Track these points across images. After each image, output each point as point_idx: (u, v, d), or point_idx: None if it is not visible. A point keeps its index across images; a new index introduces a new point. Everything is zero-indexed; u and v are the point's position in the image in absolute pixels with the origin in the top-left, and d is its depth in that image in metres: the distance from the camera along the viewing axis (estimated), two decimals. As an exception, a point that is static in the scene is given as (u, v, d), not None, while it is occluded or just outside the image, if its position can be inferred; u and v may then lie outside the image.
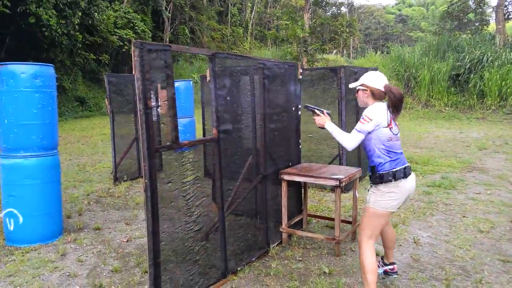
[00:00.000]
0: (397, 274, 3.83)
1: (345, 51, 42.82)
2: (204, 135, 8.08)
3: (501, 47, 19.18)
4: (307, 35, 24.33)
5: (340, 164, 6.71)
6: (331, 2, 28.01)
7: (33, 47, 18.00)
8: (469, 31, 25.33)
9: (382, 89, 3.31)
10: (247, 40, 39.58)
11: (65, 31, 17.03)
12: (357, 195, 4.75)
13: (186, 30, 30.37)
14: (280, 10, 37.10)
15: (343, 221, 4.81)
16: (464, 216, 5.53)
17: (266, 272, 4.00)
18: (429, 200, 6.30)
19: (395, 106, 3.25)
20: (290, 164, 4.85)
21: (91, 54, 21.01)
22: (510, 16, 23.69)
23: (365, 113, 3.26)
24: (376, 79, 3.37)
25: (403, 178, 3.21)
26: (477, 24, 26.63)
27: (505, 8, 22.63)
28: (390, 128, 3.24)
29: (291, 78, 4.90)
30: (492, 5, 23.43)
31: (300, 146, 5.15)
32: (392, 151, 3.25)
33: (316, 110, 3.70)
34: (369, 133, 3.25)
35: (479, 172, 8.20)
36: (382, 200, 3.23)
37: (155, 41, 28.32)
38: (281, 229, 4.63)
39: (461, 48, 19.83)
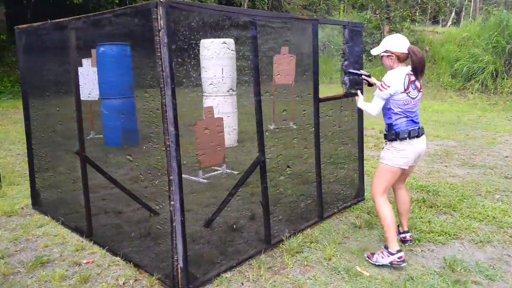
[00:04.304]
0: (411, 242, 3.62)
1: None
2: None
3: None
4: (389, -2, 18.55)
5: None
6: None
7: None
8: None
9: (406, 52, 3.20)
10: (340, 8, 33.58)
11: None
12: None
13: (265, -5, 25.98)
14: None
15: None
16: None
17: None
18: None
19: (417, 69, 3.18)
20: None
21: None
22: None
23: (384, 79, 3.19)
24: (399, 43, 3.23)
25: (416, 137, 3.22)
26: None
27: None
28: (407, 93, 3.18)
29: None
30: None
31: None
32: (407, 113, 3.24)
33: (358, 73, 3.79)
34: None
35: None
36: (395, 157, 3.23)
37: (231, 6, 24.74)
38: None
39: None
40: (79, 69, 6.88)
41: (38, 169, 4.48)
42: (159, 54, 2.58)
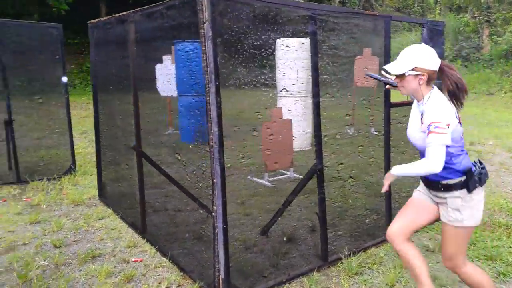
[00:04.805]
0: None
1: None
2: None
3: None
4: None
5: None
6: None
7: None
8: None
9: (437, 70, 2.22)
10: (436, 10, 31.21)
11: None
12: None
13: (354, -4, 25.13)
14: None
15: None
16: None
17: None
18: None
19: (457, 94, 2.22)
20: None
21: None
22: None
23: (435, 118, 2.11)
24: (432, 58, 2.21)
25: None
26: None
27: None
28: (460, 124, 2.23)
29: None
30: None
31: None
32: (463, 148, 2.29)
33: (381, 79, 2.58)
34: None
35: None
36: (478, 211, 2.26)
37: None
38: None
39: None
40: (159, 65, 7.07)
41: (104, 161, 4.53)
42: (203, 48, 2.34)
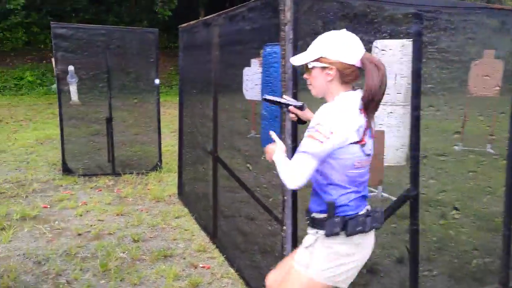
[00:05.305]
0: None
1: None
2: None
3: None
4: None
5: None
6: None
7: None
8: None
9: (359, 65, 1.56)
10: None
11: None
12: None
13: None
14: None
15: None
16: None
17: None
18: None
19: (373, 99, 1.54)
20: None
21: None
22: None
23: (319, 120, 1.51)
24: (346, 47, 1.55)
25: (375, 226, 1.66)
26: None
27: None
28: (361, 145, 1.55)
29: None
30: None
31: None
32: (357, 183, 1.62)
33: (281, 102, 1.87)
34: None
35: None
36: (329, 267, 1.59)
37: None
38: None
39: None
40: (246, 68, 6.97)
41: (185, 161, 4.52)
42: (283, 52, 2.08)
